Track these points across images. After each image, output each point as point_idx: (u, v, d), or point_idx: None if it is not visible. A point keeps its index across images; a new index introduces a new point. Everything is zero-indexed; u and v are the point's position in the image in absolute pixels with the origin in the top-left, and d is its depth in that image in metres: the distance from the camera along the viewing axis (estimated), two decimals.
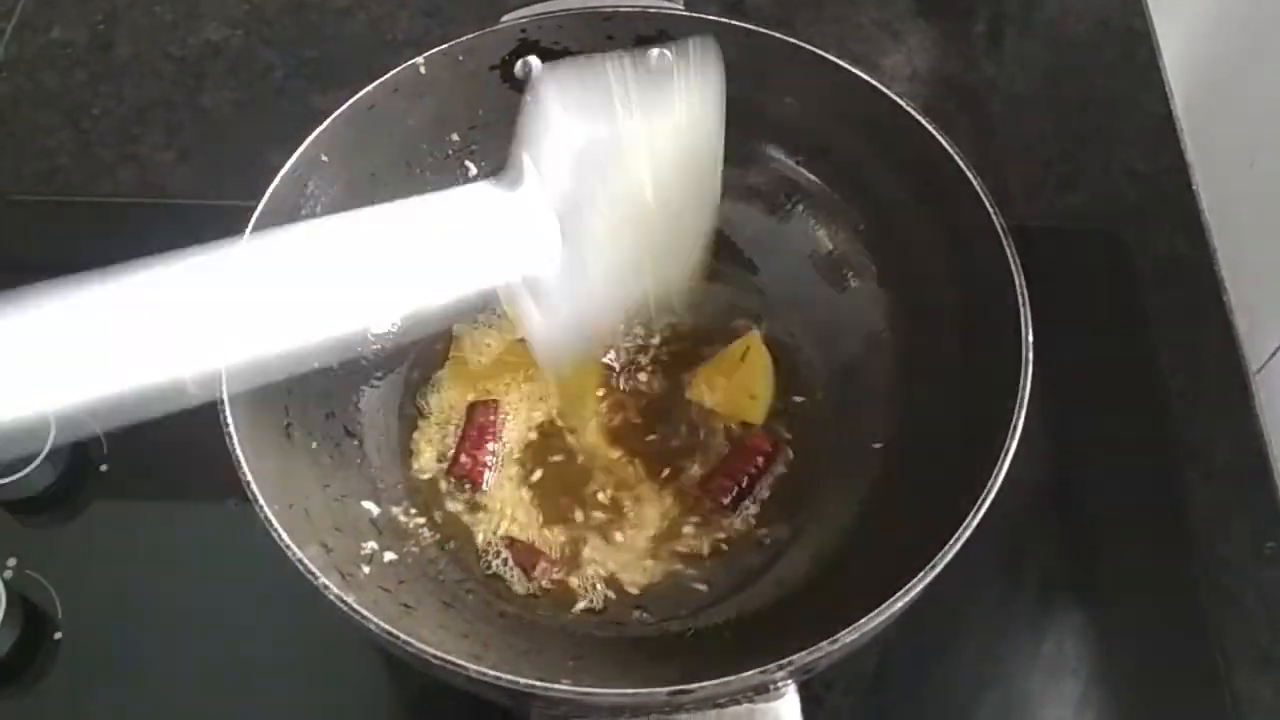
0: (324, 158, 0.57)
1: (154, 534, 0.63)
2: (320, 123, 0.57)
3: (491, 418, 0.60)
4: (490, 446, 0.60)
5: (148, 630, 0.59)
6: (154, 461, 0.64)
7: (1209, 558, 0.63)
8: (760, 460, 0.59)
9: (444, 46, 0.59)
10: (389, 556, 0.54)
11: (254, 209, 0.54)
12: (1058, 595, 0.63)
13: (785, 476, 0.60)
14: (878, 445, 0.58)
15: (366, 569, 0.52)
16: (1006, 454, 0.48)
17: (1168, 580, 0.63)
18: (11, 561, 0.61)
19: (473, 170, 0.64)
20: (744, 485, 0.59)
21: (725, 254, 0.65)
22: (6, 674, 0.58)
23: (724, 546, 0.58)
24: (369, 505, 0.56)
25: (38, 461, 0.61)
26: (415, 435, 0.61)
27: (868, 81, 0.58)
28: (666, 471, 0.60)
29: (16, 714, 0.58)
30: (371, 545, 0.53)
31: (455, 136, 0.63)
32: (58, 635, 0.59)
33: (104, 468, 0.64)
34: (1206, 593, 0.62)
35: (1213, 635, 0.60)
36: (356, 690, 0.59)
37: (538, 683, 0.42)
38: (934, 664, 0.60)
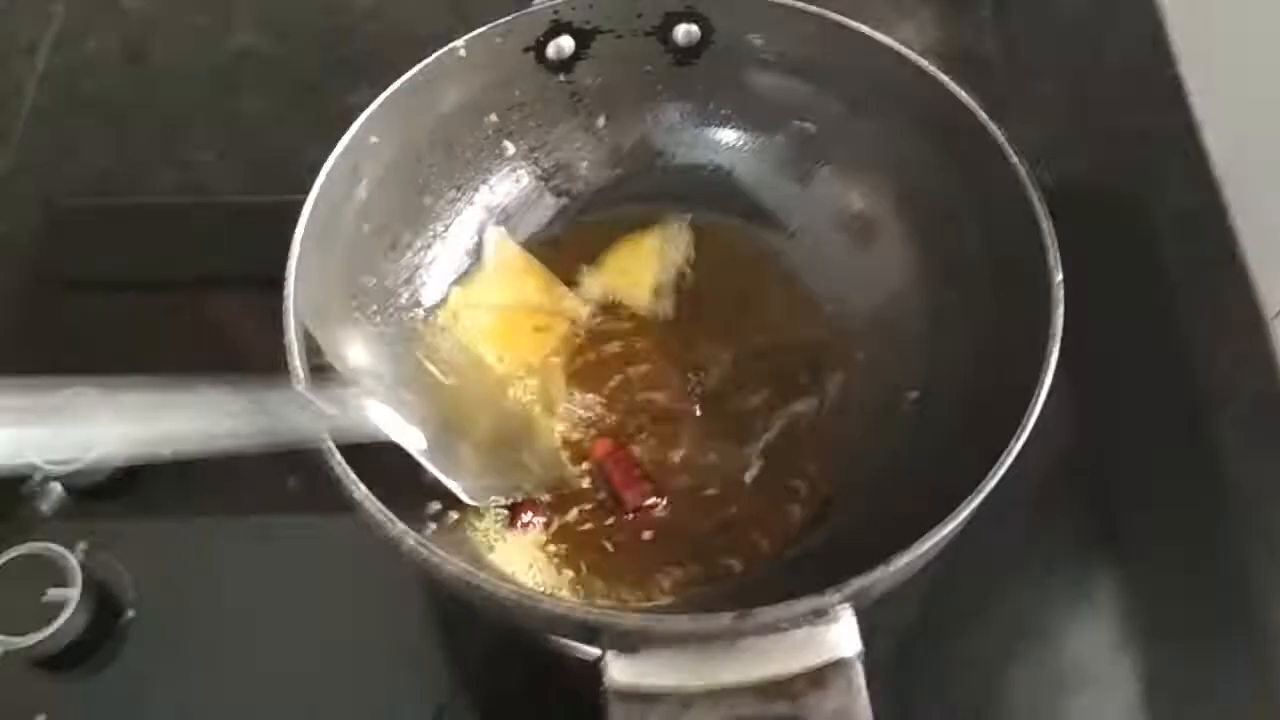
0: (374, 139, 0.59)
1: (224, 517, 0.65)
2: (356, 116, 0.59)
3: None
4: None
5: (218, 612, 0.61)
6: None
7: (1239, 497, 0.64)
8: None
9: (481, 30, 0.61)
10: (453, 515, 0.56)
11: (293, 201, 0.56)
12: (1092, 542, 0.64)
13: (828, 430, 0.61)
14: (914, 395, 0.60)
15: (434, 526, 0.54)
16: (1041, 389, 0.49)
17: (1199, 522, 0.64)
18: (83, 545, 0.63)
19: (510, 149, 0.67)
20: None
21: (755, 217, 0.68)
22: (79, 654, 0.60)
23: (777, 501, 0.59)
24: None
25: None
26: None
27: (892, 47, 0.60)
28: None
29: (90, 693, 0.60)
30: (435, 505, 0.56)
31: (493, 118, 0.65)
32: (130, 613, 0.61)
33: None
34: (1237, 531, 0.63)
35: (1246, 572, 0.62)
36: (417, 674, 0.60)
37: (609, 613, 0.44)
38: (973, 616, 0.62)
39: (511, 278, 0.66)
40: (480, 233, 0.66)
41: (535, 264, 0.66)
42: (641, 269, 0.66)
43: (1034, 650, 0.61)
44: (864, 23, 0.84)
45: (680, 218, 0.67)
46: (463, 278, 0.66)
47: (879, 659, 0.58)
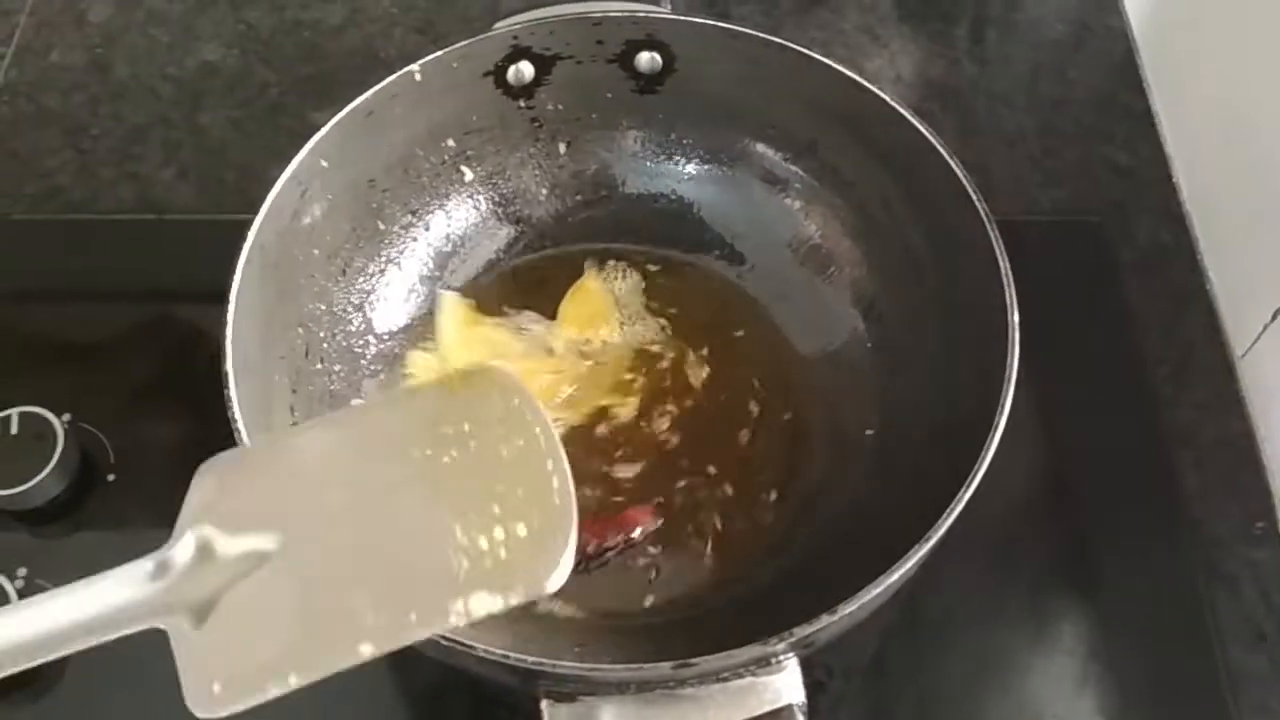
0: (324, 163, 0.58)
1: (161, 542, 0.63)
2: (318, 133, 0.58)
3: None
4: None
5: (158, 642, 0.60)
6: (160, 470, 0.65)
7: (1201, 539, 0.64)
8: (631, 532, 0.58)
9: (438, 54, 0.60)
10: None
11: (250, 221, 0.55)
12: (1055, 581, 0.64)
13: (785, 465, 0.60)
14: (870, 432, 0.60)
15: None
16: (996, 430, 0.49)
17: (1162, 562, 0.64)
18: (22, 571, 0.61)
19: (468, 175, 0.66)
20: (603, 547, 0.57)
21: (712, 248, 0.67)
22: (19, 681, 0.59)
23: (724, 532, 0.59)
24: None
25: (45, 472, 0.62)
26: None
27: (852, 78, 0.59)
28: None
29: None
30: None
31: (451, 142, 0.65)
32: None
33: (111, 477, 0.65)
34: (1200, 573, 0.63)
35: (1207, 613, 0.61)
36: (363, 696, 0.59)
37: (545, 660, 0.43)
38: (934, 650, 0.61)
39: (471, 340, 0.64)
40: (436, 267, 0.66)
41: (488, 322, 0.65)
42: (600, 311, 0.65)
43: (996, 690, 0.60)
44: (839, 53, 0.85)
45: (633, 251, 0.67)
46: (421, 342, 0.64)
47: (837, 698, 0.58)
